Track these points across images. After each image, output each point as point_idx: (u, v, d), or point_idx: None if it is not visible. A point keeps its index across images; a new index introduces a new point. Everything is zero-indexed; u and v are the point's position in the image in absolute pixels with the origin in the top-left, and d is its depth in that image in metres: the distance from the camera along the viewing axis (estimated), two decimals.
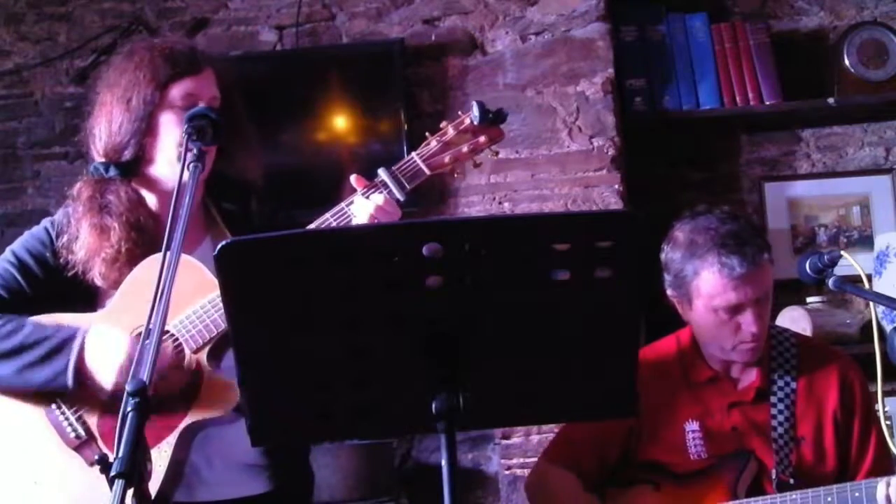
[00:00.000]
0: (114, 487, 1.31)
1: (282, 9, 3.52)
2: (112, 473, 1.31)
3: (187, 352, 1.95)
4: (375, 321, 1.37)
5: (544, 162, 3.30)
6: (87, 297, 2.04)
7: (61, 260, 2.03)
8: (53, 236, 2.07)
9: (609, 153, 3.28)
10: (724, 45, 3.43)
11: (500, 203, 3.31)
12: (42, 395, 1.98)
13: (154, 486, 1.89)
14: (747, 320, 2.26)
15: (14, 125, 3.63)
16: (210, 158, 2.04)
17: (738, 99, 3.41)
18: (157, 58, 2.05)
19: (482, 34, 3.41)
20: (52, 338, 1.94)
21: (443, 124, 2.06)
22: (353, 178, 2.03)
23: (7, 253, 2.08)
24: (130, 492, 1.33)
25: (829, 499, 2.14)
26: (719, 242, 2.25)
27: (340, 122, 3.41)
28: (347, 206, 2.00)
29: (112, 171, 2.07)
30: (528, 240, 1.34)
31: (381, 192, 1.99)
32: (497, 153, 2.11)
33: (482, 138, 2.05)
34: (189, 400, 1.94)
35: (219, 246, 1.31)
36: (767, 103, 3.40)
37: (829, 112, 3.43)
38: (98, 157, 2.09)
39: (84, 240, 2.02)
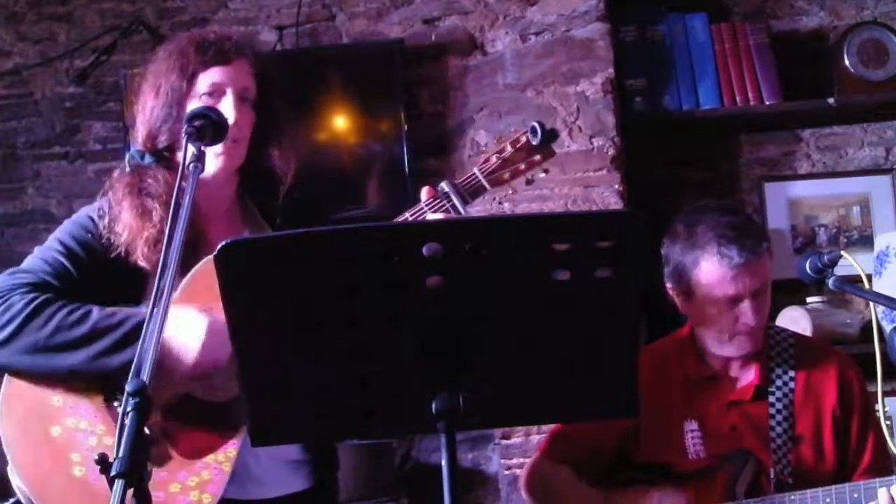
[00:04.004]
0: (114, 487, 1.31)
1: (282, 9, 3.53)
2: (112, 473, 1.31)
3: None
4: (375, 321, 1.37)
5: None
6: (133, 282, 2.02)
7: (104, 241, 2.03)
8: (98, 223, 2.06)
9: (609, 153, 3.29)
10: (724, 45, 3.43)
11: (500, 203, 3.31)
12: (105, 388, 1.95)
13: (219, 490, 1.90)
14: (745, 312, 2.26)
15: (14, 125, 3.63)
16: (241, 150, 2.07)
17: (738, 99, 3.41)
18: (188, 46, 2.07)
19: (482, 34, 3.41)
20: (126, 322, 1.92)
21: (499, 140, 2.13)
22: (424, 191, 2.06)
23: (53, 241, 2.07)
24: (131, 492, 1.33)
25: (828, 499, 2.14)
26: (719, 233, 2.26)
27: (340, 122, 3.41)
28: (412, 216, 2.02)
29: (148, 159, 2.09)
30: (528, 240, 1.34)
31: (444, 206, 2.03)
32: (547, 170, 2.15)
33: (537, 157, 2.10)
34: None
35: (219, 246, 1.31)
36: (767, 103, 3.40)
37: (829, 112, 3.43)
38: (137, 146, 2.11)
39: (126, 221, 2.02)
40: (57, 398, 1.96)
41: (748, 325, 2.27)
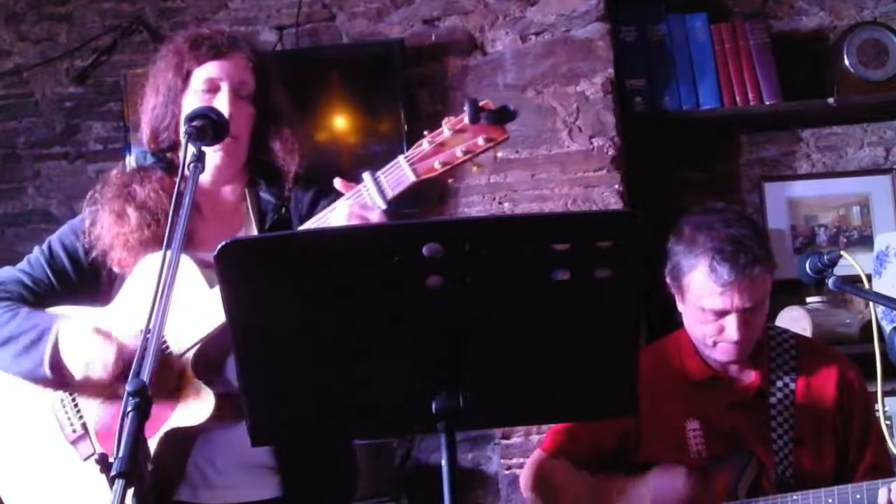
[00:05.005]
0: (114, 487, 1.30)
1: (282, 9, 3.53)
2: (112, 473, 1.31)
3: (174, 353, 1.92)
4: (376, 321, 1.37)
5: (544, 162, 3.30)
6: (111, 287, 2.06)
7: (87, 245, 2.06)
8: (87, 224, 2.09)
9: (609, 153, 3.28)
10: (724, 45, 3.43)
11: (500, 203, 3.31)
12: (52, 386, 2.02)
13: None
14: (730, 327, 2.26)
15: (14, 125, 3.63)
16: (240, 146, 2.06)
17: (738, 99, 3.41)
18: (183, 44, 2.07)
19: (482, 34, 3.41)
20: (34, 328, 1.97)
21: (443, 121, 1.84)
22: (336, 182, 1.88)
23: (45, 243, 2.12)
24: (131, 492, 1.32)
25: (830, 500, 2.14)
26: (716, 247, 2.25)
27: (340, 122, 3.41)
28: (331, 212, 1.87)
29: (150, 160, 2.10)
30: (528, 240, 1.34)
31: (355, 200, 1.83)
32: (496, 155, 1.86)
33: (479, 140, 1.79)
34: (173, 404, 1.92)
35: (219, 246, 1.31)
36: (767, 103, 3.40)
37: (829, 112, 3.43)
38: (143, 147, 2.12)
39: (105, 225, 2.04)
40: (14, 405, 2.03)
41: (730, 339, 2.27)
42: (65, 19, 3.63)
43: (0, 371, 2.04)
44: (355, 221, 1.79)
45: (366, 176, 1.83)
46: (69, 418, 2.00)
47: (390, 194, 1.82)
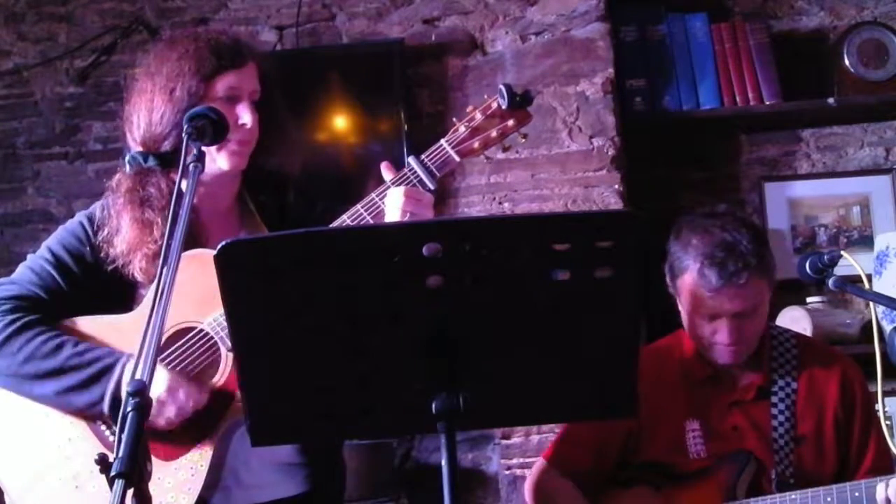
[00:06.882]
0: (114, 487, 1.30)
1: (282, 9, 3.53)
2: (112, 473, 1.31)
3: (223, 350, 1.93)
4: (376, 321, 1.37)
5: (544, 162, 3.30)
6: (124, 292, 2.02)
7: (101, 254, 2.01)
8: (91, 231, 2.04)
9: (609, 153, 3.28)
10: (724, 45, 3.43)
11: (500, 203, 3.31)
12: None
13: (196, 488, 1.89)
14: (721, 331, 2.28)
15: (14, 125, 3.63)
16: (251, 150, 2.06)
17: (738, 99, 3.41)
18: (203, 49, 2.02)
19: (482, 34, 3.41)
20: (93, 364, 1.92)
21: (469, 109, 2.03)
22: (383, 166, 2.01)
23: (43, 250, 2.05)
24: (131, 492, 1.32)
25: (829, 499, 2.14)
26: (708, 251, 2.26)
27: (340, 122, 3.41)
28: (379, 197, 1.96)
29: (151, 161, 2.02)
30: (528, 240, 1.34)
31: (411, 182, 1.96)
32: (526, 136, 2.05)
33: (510, 122, 2.01)
34: (228, 399, 1.92)
35: (219, 246, 1.31)
36: (767, 103, 3.40)
37: (829, 112, 3.43)
38: (134, 146, 2.05)
39: (125, 234, 1.99)
40: (38, 408, 1.97)
41: (722, 342, 2.28)
42: (65, 19, 3.63)
43: (30, 399, 1.96)
44: (411, 205, 1.92)
45: (411, 160, 1.99)
46: (112, 431, 1.95)
47: (438, 175, 1.99)
